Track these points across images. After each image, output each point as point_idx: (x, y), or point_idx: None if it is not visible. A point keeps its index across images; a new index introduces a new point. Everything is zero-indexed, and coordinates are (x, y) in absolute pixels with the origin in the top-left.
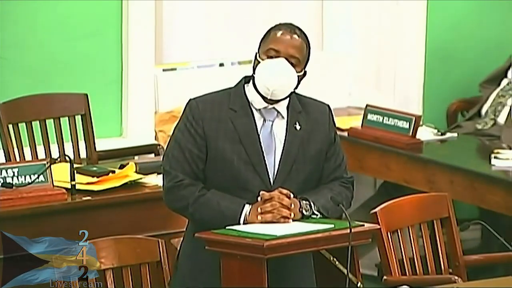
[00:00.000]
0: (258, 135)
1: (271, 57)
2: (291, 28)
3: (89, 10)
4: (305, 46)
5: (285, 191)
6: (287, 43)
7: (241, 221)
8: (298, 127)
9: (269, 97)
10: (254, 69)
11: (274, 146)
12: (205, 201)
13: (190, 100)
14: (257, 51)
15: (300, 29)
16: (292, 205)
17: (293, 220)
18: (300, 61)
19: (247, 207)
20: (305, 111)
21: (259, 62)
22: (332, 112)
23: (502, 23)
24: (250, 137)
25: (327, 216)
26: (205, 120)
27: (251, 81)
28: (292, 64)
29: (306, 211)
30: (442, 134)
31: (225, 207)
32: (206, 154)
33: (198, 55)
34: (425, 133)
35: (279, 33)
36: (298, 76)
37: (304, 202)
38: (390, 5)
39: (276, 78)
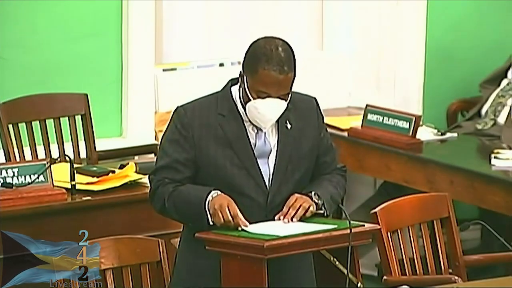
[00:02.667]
0: (248, 138)
1: (262, 97)
2: (278, 62)
3: (89, 10)
4: (293, 73)
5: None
6: (278, 86)
7: (206, 207)
8: (289, 126)
9: (263, 130)
10: (240, 82)
11: (270, 149)
12: (178, 194)
13: (177, 107)
14: (242, 70)
15: (286, 55)
16: (311, 207)
17: (297, 220)
18: (289, 91)
19: (213, 193)
20: (294, 108)
21: (247, 88)
22: (319, 105)
23: (502, 23)
24: (240, 141)
25: (329, 211)
26: (194, 128)
27: (237, 84)
28: (282, 98)
29: (317, 201)
30: (442, 134)
31: (193, 196)
32: (197, 163)
33: (198, 55)
34: (425, 133)
35: (268, 76)
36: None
37: (313, 195)
38: (390, 5)
39: (270, 119)
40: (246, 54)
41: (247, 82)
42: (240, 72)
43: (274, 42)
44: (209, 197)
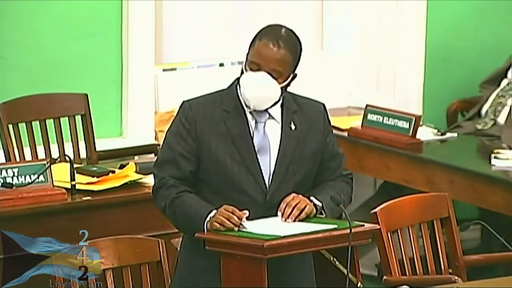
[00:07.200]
0: (251, 136)
1: (253, 70)
2: (275, 37)
3: (89, 10)
4: (290, 56)
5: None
6: (269, 58)
7: (205, 227)
8: (293, 127)
9: (251, 108)
10: (243, 64)
11: (269, 147)
12: (179, 203)
13: (183, 102)
14: (247, 53)
15: (286, 36)
16: (307, 207)
17: (298, 220)
18: (282, 73)
19: (212, 213)
20: (300, 111)
21: (245, 69)
22: (327, 110)
23: (502, 23)
24: (243, 138)
25: (330, 215)
26: (198, 122)
27: None
28: (273, 76)
29: (317, 203)
30: (442, 134)
31: (194, 210)
32: (199, 157)
33: (198, 55)
34: (425, 133)
35: (262, 45)
36: (281, 86)
37: (312, 198)
38: (390, 5)
39: (256, 92)
40: None
41: (246, 63)
42: (246, 55)
43: (280, 25)
44: (208, 218)
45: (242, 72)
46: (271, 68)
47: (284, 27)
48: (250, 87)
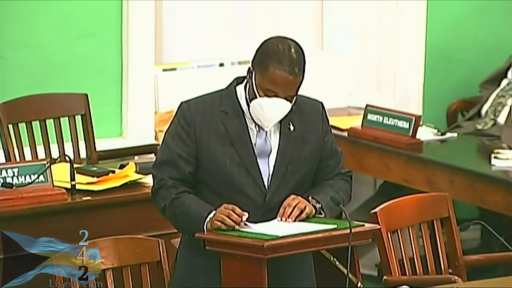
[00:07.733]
0: (250, 137)
1: (269, 96)
2: (290, 64)
3: (89, 10)
4: (302, 75)
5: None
6: (286, 86)
7: (205, 227)
8: (291, 127)
9: (265, 129)
10: (248, 78)
11: (270, 149)
12: (179, 204)
13: (181, 103)
14: (252, 66)
15: (297, 58)
16: (307, 208)
17: (298, 221)
18: (296, 93)
19: (212, 214)
20: (298, 111)
21: (254, 85)
22: (325, 109)
23: (502, 23)
24: (241, 139)
25: (330, 215)
26: (196, 123)
27: (242, 83)
28: (288, 99)
29: (316, 204)
30: (442, 134)
31: (194, 211)
32: (198, 158)
33: (198, 55)
34: (425, 133)
35: (278, 75)
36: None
37: (311, 199)
38: (390, 5)
39: (275, 118)
40: (257, 51)
41: (255, 79)
42: (249, 68)
43: (287, 43)
44: (208, 218)
45: (249, 78)
46: (288, 94)
47: (290, 40)
48: (269, 114)
